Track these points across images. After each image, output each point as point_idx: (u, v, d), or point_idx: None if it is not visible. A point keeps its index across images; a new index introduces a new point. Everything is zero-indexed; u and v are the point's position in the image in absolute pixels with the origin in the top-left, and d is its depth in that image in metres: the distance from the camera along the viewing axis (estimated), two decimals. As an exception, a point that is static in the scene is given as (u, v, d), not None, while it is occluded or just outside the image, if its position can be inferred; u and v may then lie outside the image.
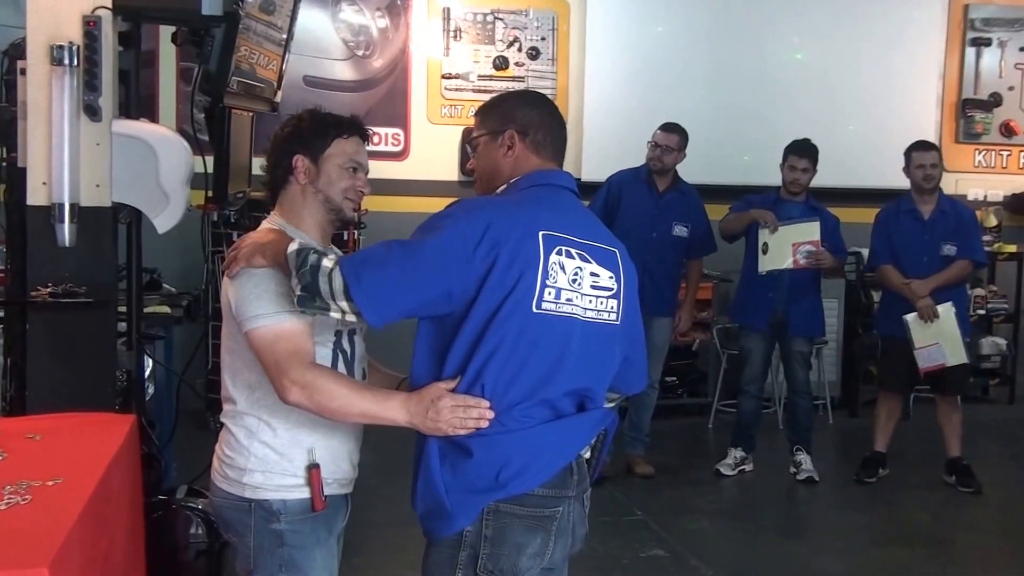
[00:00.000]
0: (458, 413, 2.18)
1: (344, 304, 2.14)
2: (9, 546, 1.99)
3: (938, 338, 5.54)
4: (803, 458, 5.85)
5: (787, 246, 5.59)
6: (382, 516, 4.81)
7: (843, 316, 7.38)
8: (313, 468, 2.38)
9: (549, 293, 2.20)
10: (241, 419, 2.42)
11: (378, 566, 4.49)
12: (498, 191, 2.36)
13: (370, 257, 2.17)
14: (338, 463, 2.47)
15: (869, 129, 7.55)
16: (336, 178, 2.51)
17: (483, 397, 2.17)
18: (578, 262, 2.26)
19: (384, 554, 4.62)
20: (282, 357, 2.26)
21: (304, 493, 2.39)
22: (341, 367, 2.43)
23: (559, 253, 2.22)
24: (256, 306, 2.30)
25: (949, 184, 6.75)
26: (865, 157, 7.44)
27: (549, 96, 7.28)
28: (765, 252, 5.64)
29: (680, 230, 5.76)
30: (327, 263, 2.16)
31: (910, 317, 5.57)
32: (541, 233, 2.20)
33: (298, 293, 2.17)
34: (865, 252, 6.43)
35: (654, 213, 5.72)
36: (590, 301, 2.28)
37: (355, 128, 2.57)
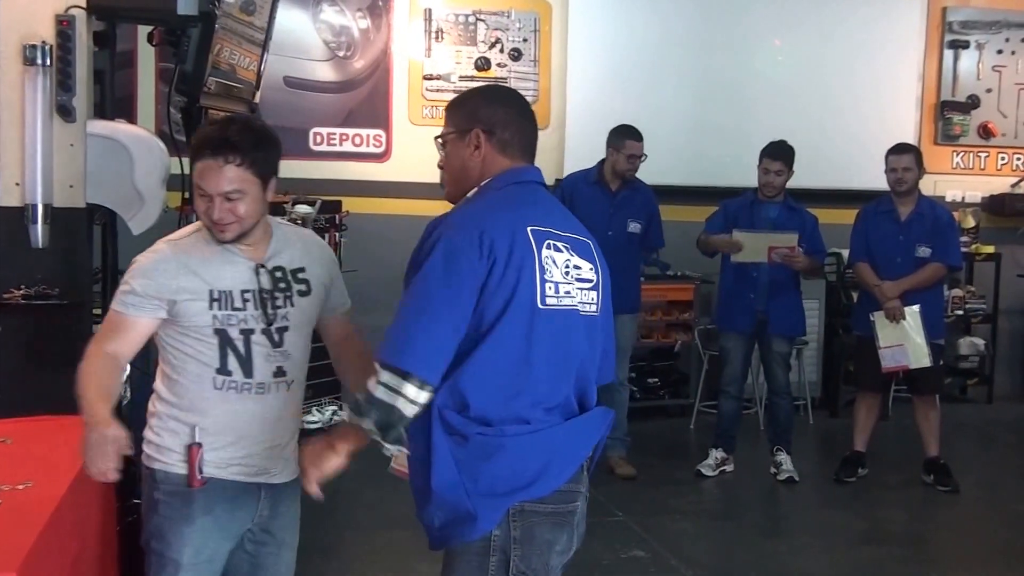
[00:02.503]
0: (97, 463, 2.25)
1: (409, 389, 2.11)
2: None
3: (903, 340, 5.56)
4: (783, 458, 5.86)
5: (763, 247, 5.63)
6: (363, 520, 4.81)
7: (824, 316, 7.39)
8: (193, 446, 2.51)
9: (549, 288, 2.23)
10: (154, 393, 2.63)
11: (359, 571, 4.48)
12: (469, 195, 2.31)
13: (397, 335, 2.13)
14: (236, 449, 2.55)
15: (849, 131, 7.56)
16: (195, 202, 2.54)
17: (499, 400, 2.18)
18: (566, 255, 2.30)
19: (364, 558, 4.60)
20: (97, 334, 2.59)
21: (183, 468, 2.52)
22: (233, 364, 2.52)
23: (548, 247, 2.26)
24: (116, 292, 2.58)
25: (927, 186, 6.75)
26: (845, 158, 7.45)
27: (530, 98, 7.41)
28: (740, 250, 5.68)
29: (634, 227, 5.78)
30: (369, 385, 2.13)
31: (877, 315, 5.60)
32: (529, 228, 2.22)
33: (381, 440, 2.16)
34: (845, 253, 6.45)
35: (608, 212, 5.71)
36: (581, 293, 2.33)
37: (201, 150, 2.47)
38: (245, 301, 2.54)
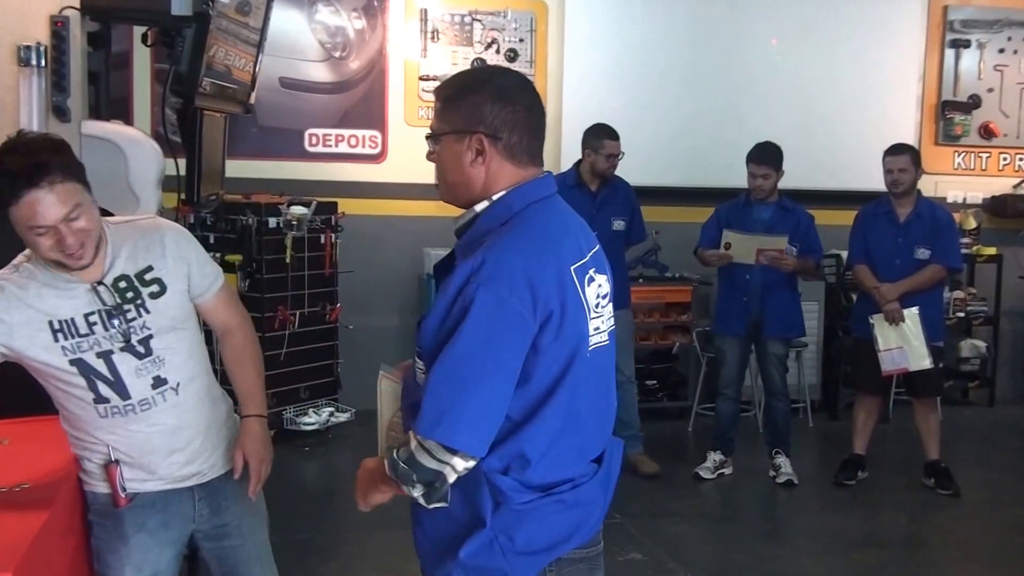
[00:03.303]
0: None
1: (456, 461, 1.93)
2: None
3: (903, 342, 5.54)
4: (782, 461, 5.84)
5: (751, 249, 5.63)
6: (362, 520, 4.76)
7: (823, 318, 7.37)
8: (109, 465, 2.46)
9: (591, 329, 2.06)
10: None
11: (358, 571, 4.46)
12: (479, 208, 2.02)
13: (442, 408, 1.91)
14: (153, 460, 2.49)
15: (848, 131, 7.55)
16: (35, 248, 2.31)
17: (563, 463, 2.04)
18: (597, 281, 2.11)
19: (360, 559, 4.58)
20: None
21: (106, 488, 2.48)
22: (105, 390, 2.41)
23: (588, 283, 2.07)
24: None
25: (928, 186, 6.73)
26: (844, 159, 7.44)
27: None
28: (728, 249, 5.68)
29: (619, 224, 5.79)
30: (413, 449, 1.95)
31: (876, 318, 5.57)
32: (572, 268, 2.02)
33: (423, 500, 1.99)
34: (844, 254, 6.44)
35: (591, 213, 5.67)
36: (606, 316, 2.15)
37: (17, 188, 2.21)
38: (92, 325, 2.38)
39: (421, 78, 7.12)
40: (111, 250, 2.42)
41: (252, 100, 5.06)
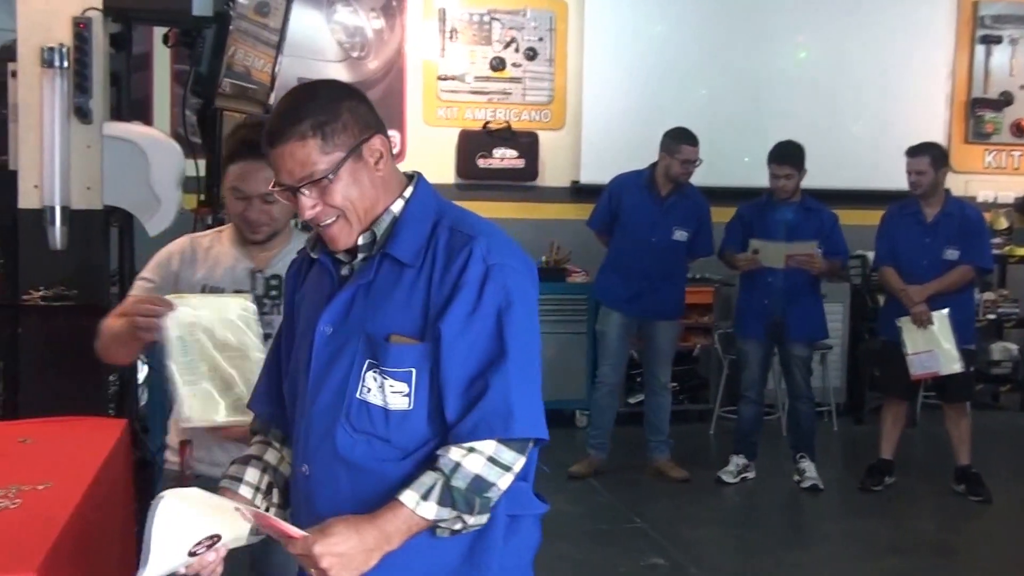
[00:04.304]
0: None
1: (521, 462, 1.81)
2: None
3: (932, 345, 5.46)
4: (807, 465, 5.78)
5: (780, 255, 5.58)
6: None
7: (848, 321, 7.30)
8: (184, 442, 2.53)
9: None
10: None
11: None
12: (396, 208, 1.85)
13: (524, 403, 1.78)
14: (222, 451, 2.54)
15: (875, 130, 7.48)
16: (228, 204, 2.60)
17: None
18: None
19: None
20: None
21: (177, 466, 2.59)
22: None
23: None
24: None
25: (958, 186, 6.65)
26: (871, 158, 7.36)
27: (545, 98, 7.36)
28: (756, 253, 5.63)
29: (680, 234, 5.72)
30: (468, 467, 1.75)
31: (903, 321, 5.50)
32: None
33: (472, 521, 1.78)
34: (870, 255, 6.37)
35: (655, 218, 5.69)
36: None
37: (240, 153, 2.53)
38: None
39: (440, 78, 7.10)
40: (284, 254, 2.58)
41: (271, 101, 5.04)
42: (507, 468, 1.78)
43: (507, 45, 7.19)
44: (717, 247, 5.91)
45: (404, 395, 1.81)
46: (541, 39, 7.24)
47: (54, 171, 3.33)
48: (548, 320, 6.64)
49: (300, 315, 1.97)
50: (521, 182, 7.21)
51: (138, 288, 2.62)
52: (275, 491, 1.99)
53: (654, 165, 5.77)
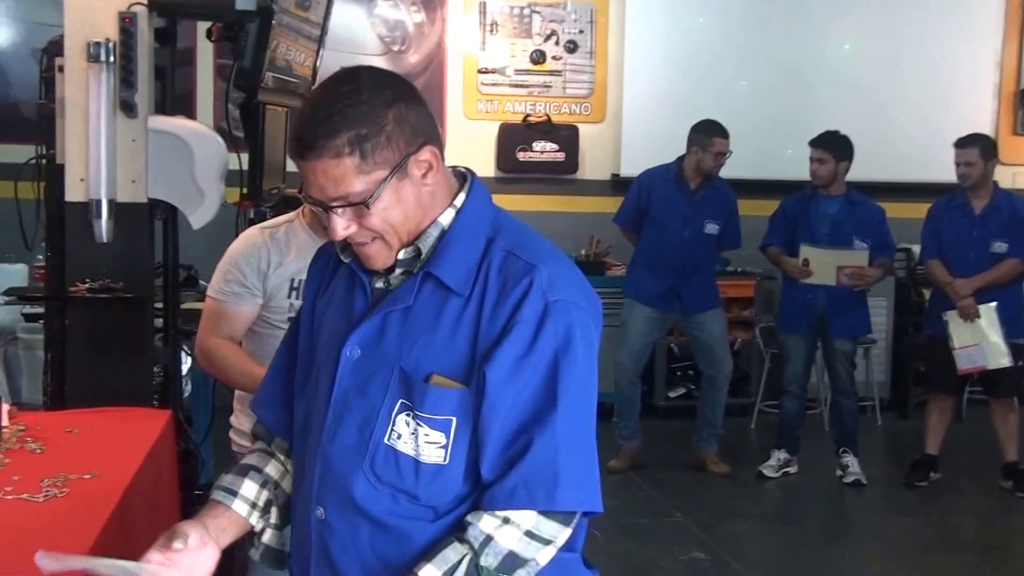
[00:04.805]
0: None
1: (565, 534, 1.56)
2: (46, 538, 1.97)
3: (979, 339, 5.38)
4: (850, 460, 5.72)
5: (831, 268, 5.52)
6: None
7: (892, 315, 7.22)
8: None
9: None
10: None
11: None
12: (444, 220, 1.60)
13: (580, 464, 1.55)
14: None
15: (921, 121, 7.38)
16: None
17: None
18: None
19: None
20: (203, 324, 2.70)
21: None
22: None
23: None
24: (213, 279, 2.71)
25: (1006, 178, 6.52)
26: (916, 150, 7.27)
27: (586, 91, 7.36)
28: (807, 266, 5.59)
29: (712, 227, 5.71)
30: (502, 541, 1.52)
31: (950, 315, 5.43)
32: None
33: None
34: (915, 249, 6.30)
35: (686, 211, 5.67)
36: None
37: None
38: None
39: (480, 71, 7.11)
40: None
41: (313, 95, 5.07)
42: (548, 542, 1.53)
43: (547, 38, 7.18)
44: (745, 239, 5.89)
45: (440, 447, 1.55)
46: (581, 32, 7.22)
47: (100, 164, 3.36)
48: (588, 313, 6.63)
49: (323, 323, 1.70)
50: (561, 175, 7.20)
51: (225, 293, 2.66)
52: (273, 510, 1.75)
53: (681, 159, 5.75)
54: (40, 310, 3.89)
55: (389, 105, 1.52)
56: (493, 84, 7.14)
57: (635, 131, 7.14)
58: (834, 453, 5.82)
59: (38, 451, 2.55)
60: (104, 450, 2.59)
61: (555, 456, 1.51)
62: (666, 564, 4.58)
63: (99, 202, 3.37)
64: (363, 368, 1.60)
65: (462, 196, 1.63)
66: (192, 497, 3.46)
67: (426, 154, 1.55)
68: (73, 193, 3.40)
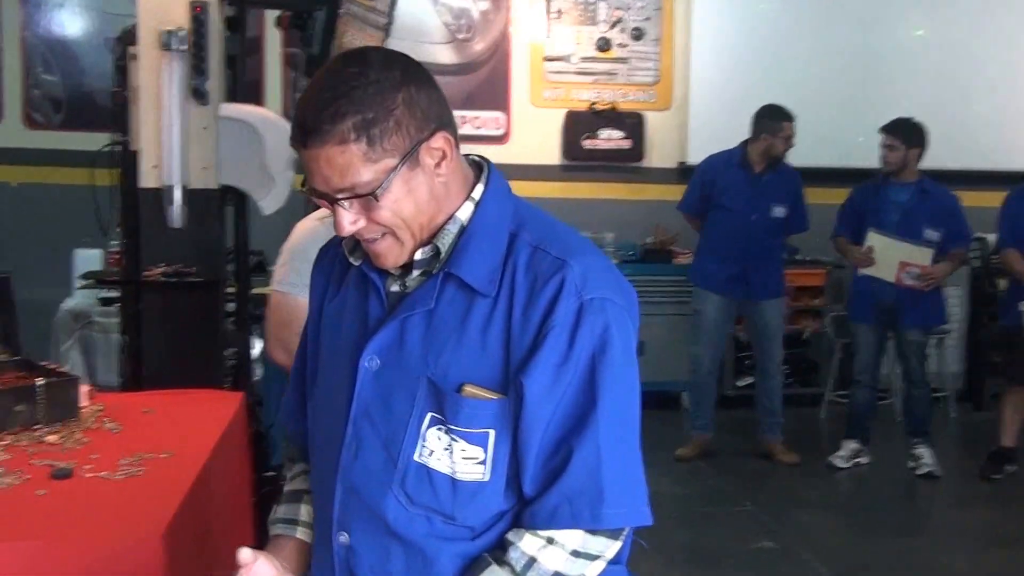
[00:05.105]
0: None
1: (614, 548, 1.47)
2: (125, 516, 2.04)
3: None
4: (923, 451, 5.62)
5: (893, 261, 5.42)
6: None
7: (968, 305, 7.07)
8: None
9: None
10: None
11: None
12: (463, 216, 1.48)
13: (627, 477, 1.46)
14: None
15: (997, 108, 7.19)
16: None
17: None
18: None
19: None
20: (273, 317, 2.71)
21: None
22: None
23: None
24: (279, 272, 2.72)
25: (1086, 164, 6.38)
26: (992, 138, 7.10)
27: (651, 78, 7.31)
28: (872, 253, 5.49)
29: (778, 211, 5.66)
30: (546, 563, 1.43)
31: None
32: None
33: None
34: (991, 238, 6.15)
35: (752, 195, 5.62)
36: None
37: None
38: None
39: (545, 59, 7.08)
40: None
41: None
42: (595, 557, 1.45)
43: (613, 25, 7.13)
44: (814, 228, 5.83)
45: (478, 462, 1.43)
46: (648, 19, 7.16)
47: (172, 151, 3.41)
48: (653, 302, 6.61)
49: (333, 329, 1.58)
50: (627, 163, 7.15)
51: (294, 285, 2.67)
52: None
53: (745, 143, 5.70)
54: (116, 294, 3.95)
55: (398, 87, 1.39)
56: (559, 72, 7.11)
57: (701, 118, 7.06)
58: (906, 444, 5.71)
59: (115, 431, 2.61)
60: (179, 431, 2.63)
61: (598, 469, 1.40)
62: (735, 553, 4.54)
63: (172, 188, 3.41)
64: (384, 380, 1.47)
65: (480, 187, 1.50)
66: (263, 479, 3.50)
67: (439, 141, 1.42)
68: (147, 180, 3.45)
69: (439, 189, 1.45)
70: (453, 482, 1.43)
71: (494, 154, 6.27)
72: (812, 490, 5.43)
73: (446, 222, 1.47)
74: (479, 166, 1.54)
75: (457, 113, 6.60)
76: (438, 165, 1.43)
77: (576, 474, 1.40)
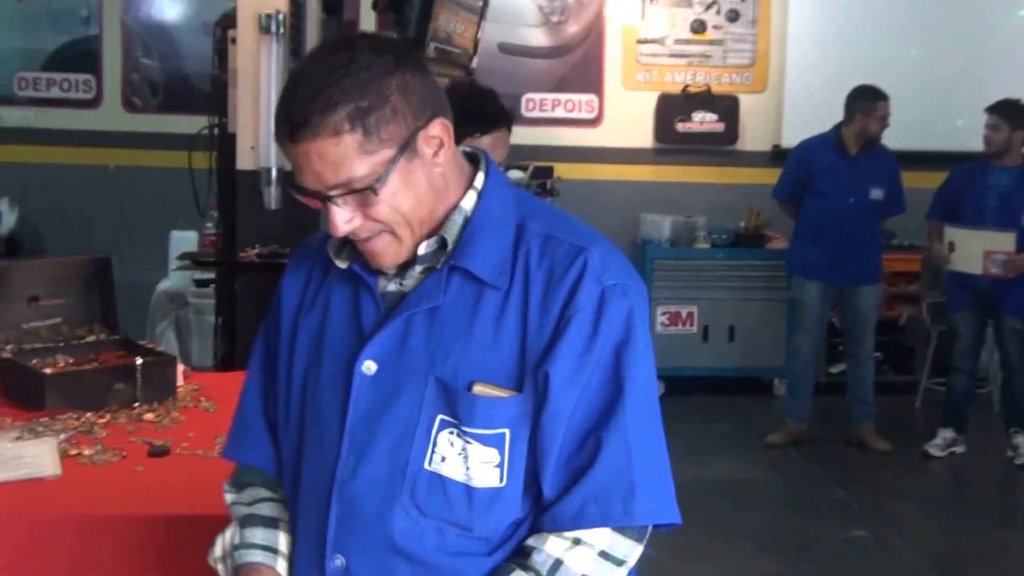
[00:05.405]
0: None
1: (638, 551, 1.38)
2: (220, 493, 2.02)
3: None
4: (1021, 441, 5.46)
5: (978, 252, 5.29)
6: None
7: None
8: None
9: None
10: None
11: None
12: (467, 205, 1.40)
13: (657, 473, 1.36)
14: None
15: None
16: None
17: None
18: None
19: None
20: None
21: None
22: None
23: None
24: None
25: None
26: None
27: (747, 60, 7.22)
28: (952, 250, 5.39)
29: (876, 193, 5.58)
30: (573, 565, 1.33)
31: None
32: None
33: None
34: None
35: (849, 178, 5.53)
36: None
37: (493, 124, 2.58)
38: None
39: (639, 41, 7.02)
40: None
41: (474, 64, 5.11)
42: (622, 563, 1.35)
43: (708, 7, 7.04)
44: (911, 212, 5.74)
45: (494, 466, 1.34)
46: (743, 0, 7.05)
47: (270, 134, 3.45)
48: (746, 287, 6.54)
49: (313, 342, 1.45)
50: (720, 146, 7.06)
51: None
52: None
53: (839, 126, 5.62)
54: (211, 275, 4.03)
55: (391, 72, 1.31)
56: (652, 55, 7.04)
57: (798, 101, 6.93)
58: (1005, 434, 5.57)
59: (211, 410, 2.64)
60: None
61: (628, 462, 1.32)
62: (825, 542, 4.49)
63: (269, 170, 3.46)
64: (384, 384, 1.36)
65: (480, 176, 1.42)
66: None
67: (437, 128, 1.34)
68: (244, 161, 3.51)
69: (438, 180, 1.36)
70: (468, 490, 1.34)
71: (587, 137, 6.34)
72: (905, 479, 5.33)
73: (449, 213, 1.39)
74: (474, 156, 1.47)
75: (549, 96, 6.66)
76: (436, 154, 1.35)
77: (605, 468, 1.31)
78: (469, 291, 1.36)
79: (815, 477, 5.32)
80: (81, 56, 6.80)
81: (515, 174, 6.22)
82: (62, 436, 2.37)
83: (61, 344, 2.79)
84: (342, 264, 1.42)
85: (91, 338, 2.87)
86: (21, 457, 2.23)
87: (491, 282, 1.35)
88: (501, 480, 1.34)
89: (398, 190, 1.32)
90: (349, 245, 1.41)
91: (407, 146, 1.31)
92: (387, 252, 1.36)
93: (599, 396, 1.33)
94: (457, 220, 1.39)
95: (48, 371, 2.62)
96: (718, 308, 6.56)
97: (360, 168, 1.29)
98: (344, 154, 1.28)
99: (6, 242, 6.13)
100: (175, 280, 5.60)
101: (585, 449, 1.33)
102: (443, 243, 1.38)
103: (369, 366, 1.37)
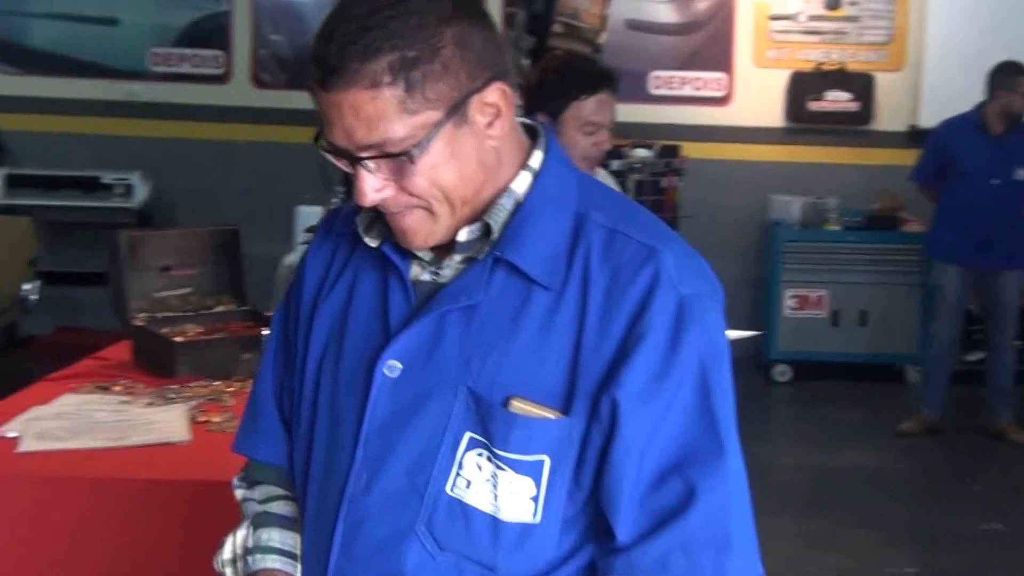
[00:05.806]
0: None
1: None
2: None
3: None
4: None
5: None
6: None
7: None
8: None
9: None
10: None
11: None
12: (519, 189, 1.19)
13: (746, 519, 1.16)
14: None
15: None
16: (571, 143, 2.51)
17: None
18: None
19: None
20: None
21: None
22: None
23: None
24: None
25: None
26: None
27: (883, 37, 7.00)
28: None
29: (1022, 174, 5.35)
30: None
31: None
32: None
33: None
34: None
35: (992, 158, 5.32)
36: None
37: (596, 86, 2.55)
38: None
39: (771, 17, 6.85)
40: None
41: (602, 40, 5.08)
42: None
43: (844, -18, 6.83)
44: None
45: (529, 498, 1.14)
46: (881, -26, 6.82)
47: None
48: (878, 271, 6.35)
49: (334, 328, 1.26)
50: (854, 126, 6.85)
51: None
52: None
53: (981, 105, 5.41)
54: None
55: (447, 20, 1.10)
56: (784, 31, 6.86)
57: (937, 79, 6.67)
58: None
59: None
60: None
61: (726, 512, 1.13)
62: (960, 533, 4.36)
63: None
64: (408, 389, 1.17)
65: (538, 155, 1.21)
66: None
67: (495, 94, 1.13)
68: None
69: (489, 155, 1.16)
70: (495, 522, 1.14)
71: (715, 116, 6.24)
72: (1048, 472, 5.12)
73: (497, 196, 1.18)
74: (533, 130, 1.24)
75: (678, 74, 6.58)
76: (490, 124, 1.14)
77: (698, 516, 1.11)
78: (514, 289, 1.16)
79: (949, 467, 5.16)
80: (211, 32, 6.95)
81: (640, 152, 6.16)
82: (191, 403, 2.44)
83: (191, 313, 2.86)
84: (372, 242, 1.22)
85: (220, 308, 2.94)
86: (153, 423, 2.29)
87: (541, 281, 1.15)
88: (535, 516, 1.14)
89: (440, 161, 1.12)
90: (381, 220, 1.20)
91: (456, 110, 1.11)
92: (419, 230, 1.16)
93: (686, 429, 1.13)
94: (506, 205, 1.18)
95: (179, 340, 2.68)
96: (849, 292, 6.39)
97: (398, 129, 1.10)
98: (381, 110, 1.09)
99: (139, 215, 6.33)
100: (300, 254, 5.71)
101: (669, 490, 1.12)
102: (487, 230, 1.18)
103: (393, 366, 1.17)
